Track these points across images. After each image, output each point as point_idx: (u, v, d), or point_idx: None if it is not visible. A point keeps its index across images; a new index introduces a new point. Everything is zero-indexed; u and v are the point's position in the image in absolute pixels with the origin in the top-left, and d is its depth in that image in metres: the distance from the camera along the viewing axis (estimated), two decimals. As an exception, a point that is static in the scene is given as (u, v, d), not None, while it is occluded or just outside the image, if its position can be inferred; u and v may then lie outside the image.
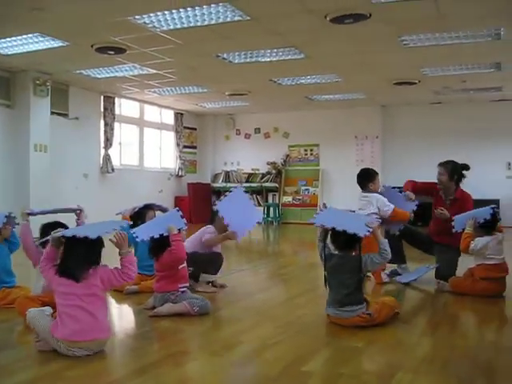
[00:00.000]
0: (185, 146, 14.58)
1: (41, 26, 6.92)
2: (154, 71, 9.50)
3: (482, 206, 4.61)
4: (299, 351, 3.01)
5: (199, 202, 13.90)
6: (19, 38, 7.42)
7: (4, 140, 9.56)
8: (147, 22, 6.72)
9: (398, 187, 5.41)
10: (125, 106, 12.68)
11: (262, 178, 14.52)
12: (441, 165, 5.15)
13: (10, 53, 8.21)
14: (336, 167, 13.79)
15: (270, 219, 13.78)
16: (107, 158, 11.74)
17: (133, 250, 3.85)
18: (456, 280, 4.70)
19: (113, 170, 11.84)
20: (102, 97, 11.66)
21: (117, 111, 12.10)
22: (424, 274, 5.13)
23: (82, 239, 2.94)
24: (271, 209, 13.92)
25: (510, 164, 12.40)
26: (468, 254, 4.55)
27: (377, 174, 5.34)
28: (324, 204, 3.97)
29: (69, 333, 2.81)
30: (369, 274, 4.79)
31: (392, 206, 4.99)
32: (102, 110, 11.68)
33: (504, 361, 2.92)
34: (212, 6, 6.15)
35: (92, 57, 8.35)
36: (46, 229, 3.70)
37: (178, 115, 14.20)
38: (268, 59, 8.63)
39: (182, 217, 4.01)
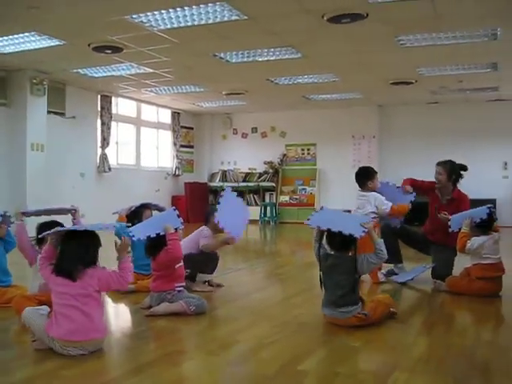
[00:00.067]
0: (182, 146, 14.58)
1: (38, 25, 6.91)
2: (151, 70, 9.50)
3: (479, 206, 4.61)
4: (295, 350, 3.01)
5: (196, 201, 13.91)
6: (16, 36, 7.41)
7: (0, 139, 9.54)
8: (144, 21, 6.71)
9: (397, 187, 5.41)
10: (122, 105, 12.67)
11: (258, 178, 14.53)
12: (439, 164, 5.15)
13: (6, 51, 8.20)
14: (333, 167, 13.82)
15: (266, 219, 13.78)
16: (104, 157, 11.73)
17: (131, 255, 3.84)
18: (452, 279, 4.71)
19: (109, 169, 11.83)
20: (99, 96, 11.65)
21: (114, 110, 12.09)
22: (420, 273, 5.14)
23: (79, 238, 2.94)
24: (268, 208, 13.93)
25: (506, 164, 12.44)
26: (464, 253, 4.55)
27: (375, 172, 5.33)
28: (322, 208, 3.94)
29: (64, 332, 2.80)
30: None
31: (390, 204, 4.99)
32: (99, 109, 11.68)
33: (500, 360, 2.92)
34: (209, 5, 6.16)
35: (89, 56, 8.34)
36: (43, 228, 3.68)
37: (175, 114, 14.20)
38: (265, 58, 8.64)
39: (179, 216, 4.01)
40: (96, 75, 9.96)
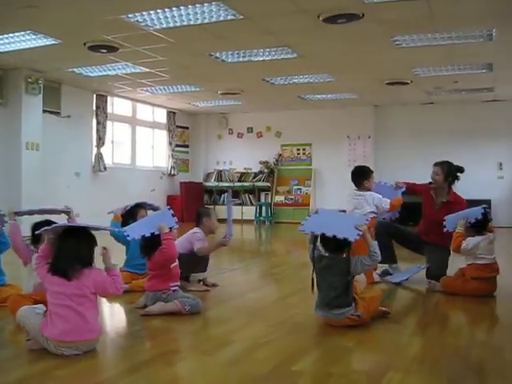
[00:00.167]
0: (177, 145, 14.57)
1: (33, 24, 6.89)
2: (147, 70, 9.48)
3: (474, 206, 4.63)
4: (290, 350, 3.01)
5: (191, 201, 13.89)
6: (11, 35, 7.39)
7: (-5, 138, 9.52)
8: (140, 20, 6.70)
9: (388, 185, 5.43)
10: (117, 105, 12.65)
11: (254, 178, 14.53)
12: (437, 164, 5.15)
13: (1, 50, 8.17)
14: (328, 167, 13.83)
15: (262, 218, 13.78)
16: (99, 156, 11.71)
17: (118, 267, 3.83)
18: (447, 280, 4.72)
19: (105, 168, 11.81)
20: (95, 95, 11.63)
21: (109, 110, 12.07)
22: (415, 273, 5.15)
23: (77, 236, 2.95)
24: (263, 208, 13.93)
25: (501, 164, 12.47)
26: (459, 253, 4.57)
27: (372, 171, 5.32)
28: (317, 210, 3.90)
29: (58, 332, 2.79)
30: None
31: (388, 201, 5.01)
32: (95, 108, 11.66)
33: (494, 360, 2.93)
34: (205, 4, 6.15)
35: (84, 55, 8.33)
36: (38, 227, 3.67)
37: (171, 114, 14.18)
38: (261, 58, 8.64)
39: (174, 215, 4.00)
40: (91, 74, 9.94)
